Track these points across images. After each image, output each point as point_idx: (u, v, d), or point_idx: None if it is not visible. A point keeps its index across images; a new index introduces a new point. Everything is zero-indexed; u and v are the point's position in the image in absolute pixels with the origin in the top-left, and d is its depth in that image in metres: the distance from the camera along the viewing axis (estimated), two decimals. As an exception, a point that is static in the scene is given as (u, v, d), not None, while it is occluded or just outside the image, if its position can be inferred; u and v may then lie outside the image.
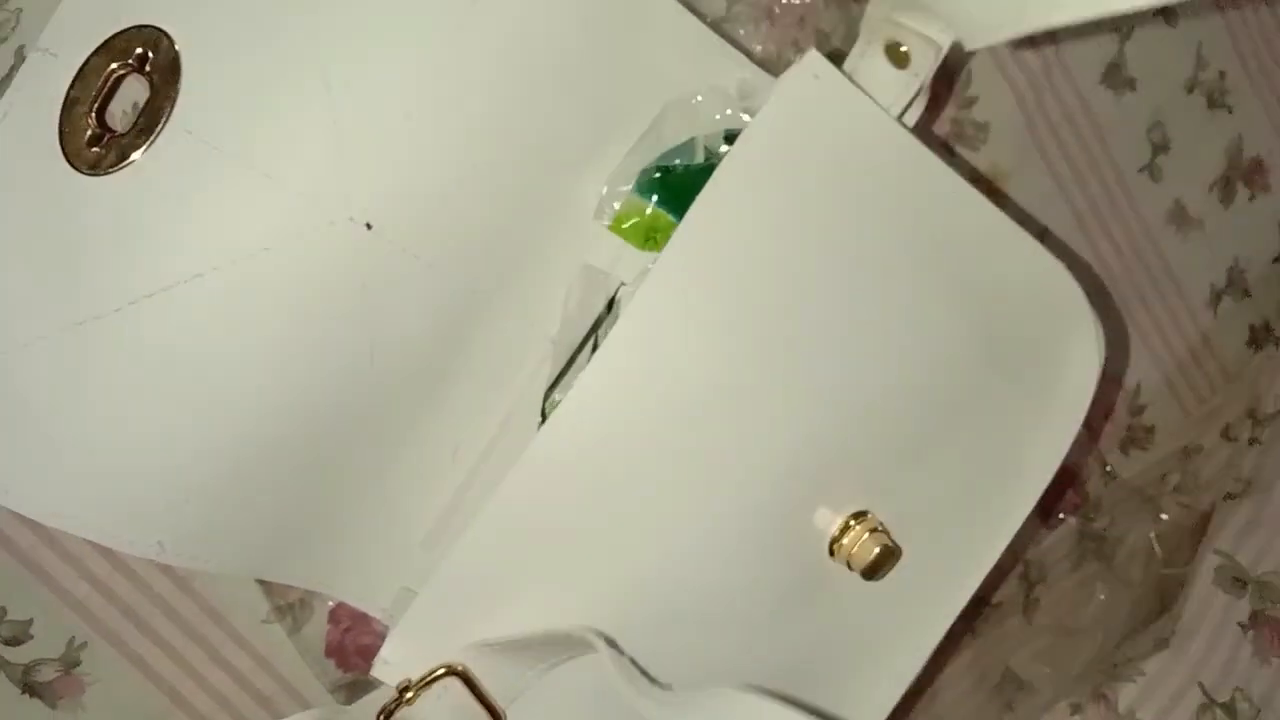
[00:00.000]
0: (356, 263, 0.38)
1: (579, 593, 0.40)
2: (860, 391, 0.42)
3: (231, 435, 0.38)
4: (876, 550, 0.42)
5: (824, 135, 0.39)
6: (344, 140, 0.36)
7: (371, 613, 0.46)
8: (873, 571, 0.42)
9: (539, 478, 0.39)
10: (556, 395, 0.42)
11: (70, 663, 0.45)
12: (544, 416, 0.43)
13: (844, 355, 0.41)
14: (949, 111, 0.55)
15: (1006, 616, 0.65)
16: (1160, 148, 0.63)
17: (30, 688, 0.44)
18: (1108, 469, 0.65)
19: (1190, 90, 0.63)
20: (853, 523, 0.42)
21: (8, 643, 0.44)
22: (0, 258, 0.38)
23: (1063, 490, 0.65)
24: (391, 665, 0.39)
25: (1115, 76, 0.60)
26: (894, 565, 0.42)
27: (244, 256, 0.36)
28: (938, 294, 0.42)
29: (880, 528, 0.42)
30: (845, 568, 0.42)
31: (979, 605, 0.65)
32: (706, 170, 0.39)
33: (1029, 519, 0.64)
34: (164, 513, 0.39)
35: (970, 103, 0.55)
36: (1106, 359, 0.65)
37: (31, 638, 0.44)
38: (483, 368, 0.43)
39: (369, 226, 0.37)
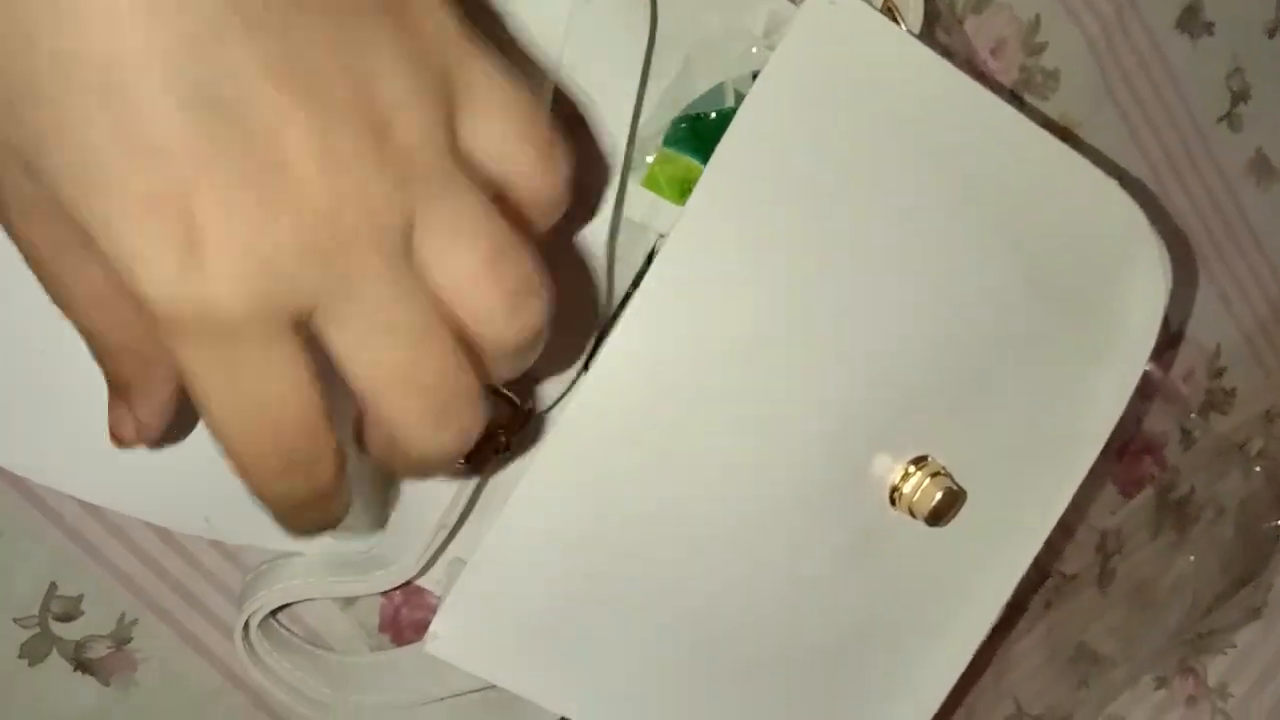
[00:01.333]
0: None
1: (632, 553, 0.39)
2: (910, 332, 0.40)
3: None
4: (940, 494, 0.40)
5: (847, 64, 0.38)
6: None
7: (425, 585, 0.45)
8: (937, 516, 0.40)
9: (582, 438, 0.37)
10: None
11: (121, 639, 0.44)
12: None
13: (890, 294, 0.39)
14: (1017, 58, 0.53)
15: (1081, 589, 0.63)
16: (1240, 96, 0.60)
17: (82, 664, 0.44)
18: (1188, 434, 0.63)
19: (1271, 35, 0.60)
20: (912, 469, 0.40)
21: (59, 619, 0.43)
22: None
23: (1141, 458, 0.63)
24: (443, 639, 0.38)
25: (1192, 20, 0.57)
26: (959, 509, 0.41)
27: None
28: (984, 223, 0.40)
29: (942, 471, 0.40)
30: (908, 516, 0.41)
31: (1052, 577, 0.62)
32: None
33: (1105, 488, 0.62)
34: (208, 486, 0.38)
35: (1039, 49, 0.53)
36: (1182, 320, 0.62)
37: (83, 614, 0.43)
38: None
39: None
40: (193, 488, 0.39)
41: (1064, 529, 0.60)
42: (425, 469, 0.24)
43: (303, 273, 0.20)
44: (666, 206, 0.41)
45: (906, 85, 0.39)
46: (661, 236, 0.41)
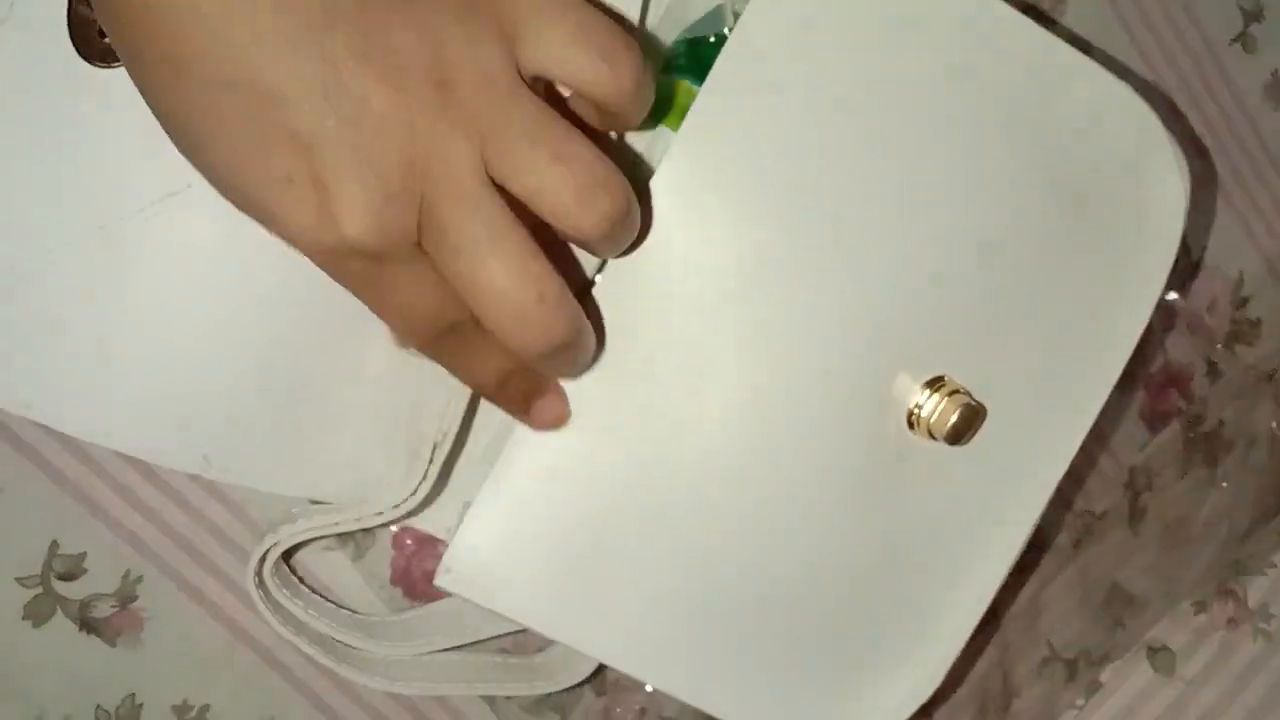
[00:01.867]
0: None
1: (643, 483, 0.38)
2: (921, 249, 0.39)
3: (260, 332, 0.36)
4: (959, 411, 0.39)
5: None
6: None
7: (437, 534, 0.44)
8: (957, 434, 0.39)
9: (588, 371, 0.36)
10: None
11: (126, 597, 0.43)
12: None
13: (900, 210, 0.38)
14: (1023, -22, 0.51)
15: (1111, 528, 0.61)
16: (1253, 15, 0.58)
17: (87, 624, 0.43)
18: (1213, 366, 0.61)
19: (1283, -50, 0.58)
20: (929, 390, 0.39)
21: (62, 578, 0.42)
22: (17, 164, 0.36)
23: (1167, 391, 0.61)
24: (455, 574, 0.37)
25: (1201, -63, 0.56)
26: (979, 426, 0.39)
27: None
28: (996, 133, 0.39)
29: (961, 390, 0.39)
30: (928, 438, 0.39)
31: (1081, 516, 0.61)
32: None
33: (1132, 424, 0.60)
34: (206, 424, 0.38)
35: (1045, -32, 0.52)
36: (1203, 249, 0.61)
37: (86, 572, 0.43)
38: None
39: None
40: (191, 426, 0.38)
41: (1091, 465, 0.59)
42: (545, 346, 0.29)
43: (404, 206, 0.27)
44: (667, 134, 0.40)
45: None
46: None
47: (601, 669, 0.46)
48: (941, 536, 0.43)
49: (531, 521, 0.37)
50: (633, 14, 0.38)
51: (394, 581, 0.46)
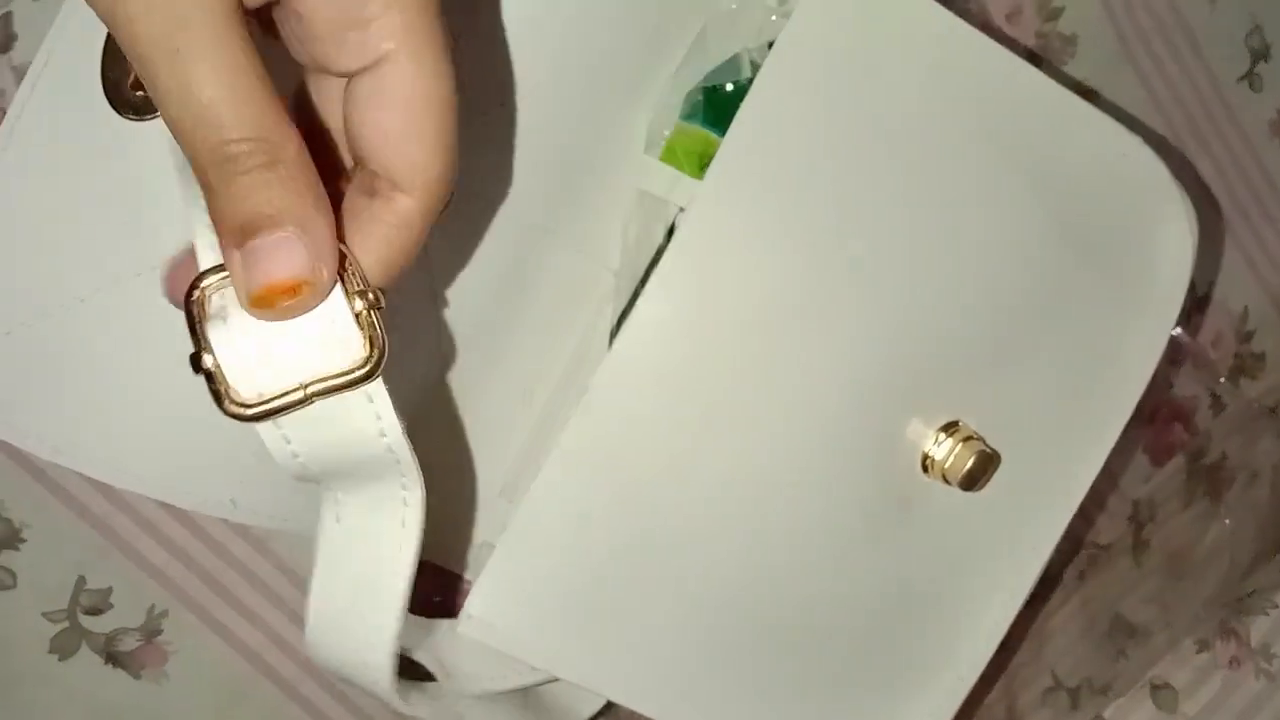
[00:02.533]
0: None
1: (664, 525, 0.38)
2: (935, 295, 0.40)
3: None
4: (973, 458, 0.39)
5: (864, 29, 0.37)
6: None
7: (457, 570, 0.45)
8: (972, 480, 0.40)
9: (609, 411, 0.37)
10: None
11: (151, 631, 0.44)
12: None
13: (915, 258, 0.39)
14: (1034, 24, 0.52)
15: (1115, 559, 0.62)
16: (1260, 54, 0.59)
17: (113, 658, 0.44)
18: (1217, 399, 0.62)
19: (1289, -9, 0.59)
20: (943, 435, 0.40)
21: (88, 612, 0.43)
22: (52, 211, 0.36)
23: (1171, 425, 0.62)
24: (477, 620, 0.38)
25: (1209, -20, 0.56)
26: (993, 473, 0.40)
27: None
28: (1008, 183, 0.40)
29: (975, 436, 0.40)
30: (941, 483, 0.40)
31: (1086, 548, 0.62)
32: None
33: (1136, 457, 0.61)
34: (233, 468, 0.38)
35: (1056, 14, 0.52)
36: (1209, 284, 0.62)
37: (112, 607, 0.43)
38: (547, 307, 0.42)
39: None
40: (217, 470, 0.38)
41: (1096, 499, 0.59)
42: None
43: None
44: (686, 180, 0.41)
45: (926, 47, 0.38)
46: (682, 209, 0.40)
47: (609, 707, 0.47)
48: (954, 576, 0.44)
49: (554, 566, 0.38)
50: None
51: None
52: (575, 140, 0.40)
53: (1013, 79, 0.40)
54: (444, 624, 0.42)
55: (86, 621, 0.43)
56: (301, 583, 0.46)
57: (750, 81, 0.38)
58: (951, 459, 0.40)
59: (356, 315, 0.25)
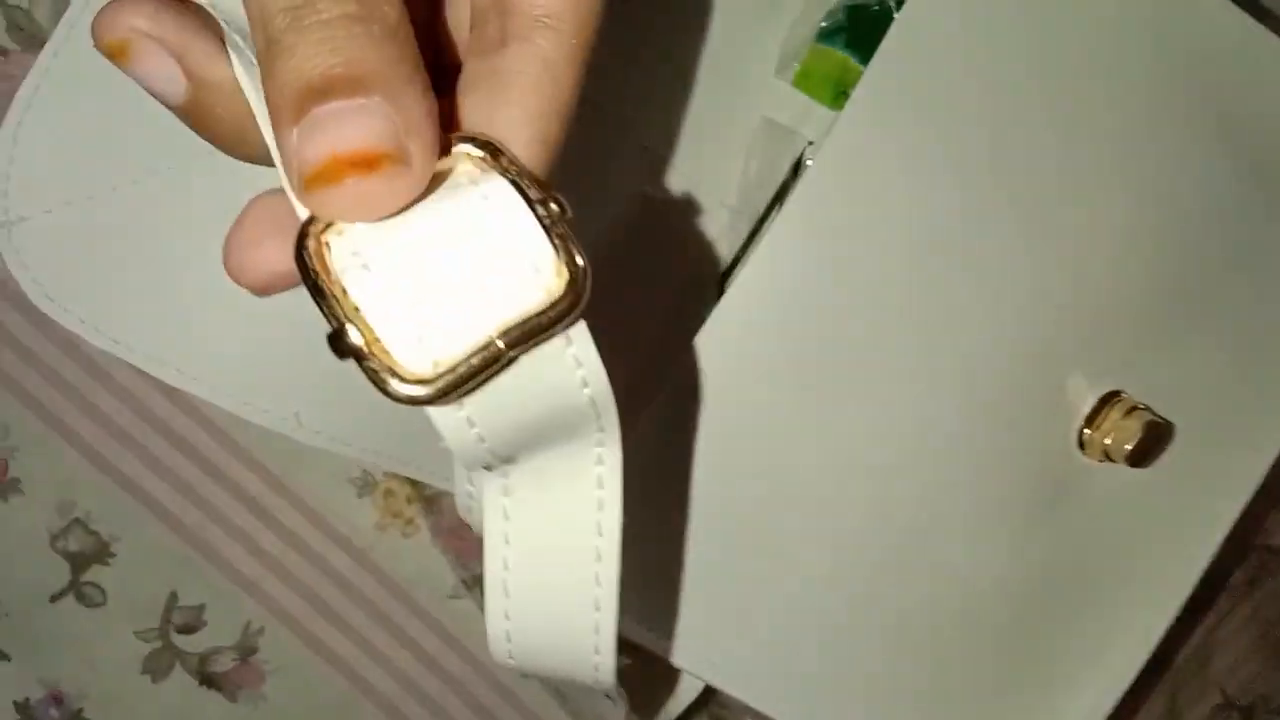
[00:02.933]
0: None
1: (786, 493, 0.34)
2: (1104, 245, 0.35)
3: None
4: (1141, 430, 0.35)
5: None
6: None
7: None
8: (1141, 456, 0.35)
9: (715, 366, 0.33)
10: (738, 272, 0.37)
11: (247, 650, 0.41)
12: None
13: (1081, 203, 0.35)
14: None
15: (1288, 563, 0.57)
16: None
17: (208, 679, 0.41)
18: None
19: None
20: (1104, 406, 0.36)
21: (181, 631, 0.41)
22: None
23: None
24: None
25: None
26: (1165, 446, 0.35)
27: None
28: (1192, 121, 0.35)
29: (1141, 406, 0.35)
30: (1099, 461, 0.36)
31: (1256, 552, 0.56)
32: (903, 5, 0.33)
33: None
34: (300, 382, 0.35)
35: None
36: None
37: (205, 624, 0.41)
38: (656, 242, 0.38)
39: None
40: (282, 380, 0.35)
41: (1267, 497, 0.54)
42: None
43: None
44: (819, 110, 0.37)
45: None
46: (811, 144, 0.37)
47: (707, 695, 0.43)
48: (1109, 566, 0.39)
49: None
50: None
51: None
52: (697, 55, 0.37)
53: (1201, 10, 0.35)
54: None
55: (180, 641, 0.41)
56: (404, 595, 0.43)
57: (900, 3, 0.34)
58: (1115, 432, 0.36)
59: (545, 228, 0.18)
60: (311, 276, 0.18)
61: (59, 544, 0.39)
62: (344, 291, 0.18)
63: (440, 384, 0.18)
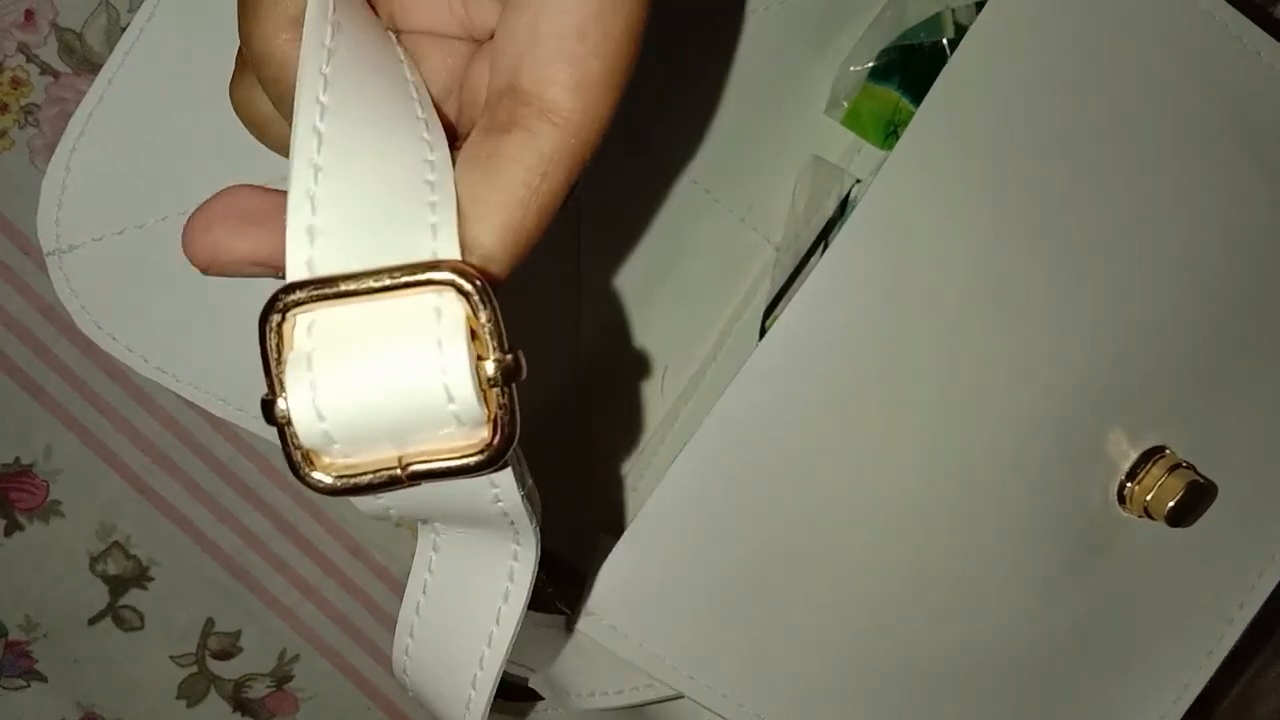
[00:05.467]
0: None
1: (811, 539, 0.34)
2: (1151, 297, 0.35)
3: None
4: (1184, 489, 0.34)
5: None
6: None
7: (567, 553, 0.41)
8: (1180, 515, 0.34)
9: (755, 404, 0.33)
10: (781, 310, 0.37)
11: (282, 678, 0.41)
12: (764, 335, 0.37)
13: (1129, 253, 0.34)
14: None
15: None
16: None
17: (242, 705, 0.41)
18: None
19: None
20: (1145, 462, 0.35)
21: (217, 656, 0.41)
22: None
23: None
24: (597, 617, 0.34)
25: None
26: (1207, 507, 0.35)
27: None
28: (1242, 172, 0.35)
29: (1185, 464, 0.35)
30: (1139, 517, 0.35)
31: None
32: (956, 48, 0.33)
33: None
34: None
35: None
36: None
37: (241, 650, 0.41)
38: (698, 277, 0.38)
39: None
40: None
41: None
42: None
43: None
44: (869, 148, 0.37)
45: (1150, 16, 0.34)
46: (859, 182, 0.36)
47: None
48: (1144, 624, 0.38)
49: (684, 566, 0.33)
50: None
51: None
52: (749, 89, 0.37)
53: (1248, 54, 0.35)
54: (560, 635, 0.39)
55: (215, 666, 0.41)
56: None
57: (954, 43, 0.34)
58: (1156, 489, 0.35)
59: (484, 382, 0.19)
60: (264, 340, 0.19)
61: (98, 567, 0.40)
62: (283, 372, 0.19)
63: (340, 484, 0.19)
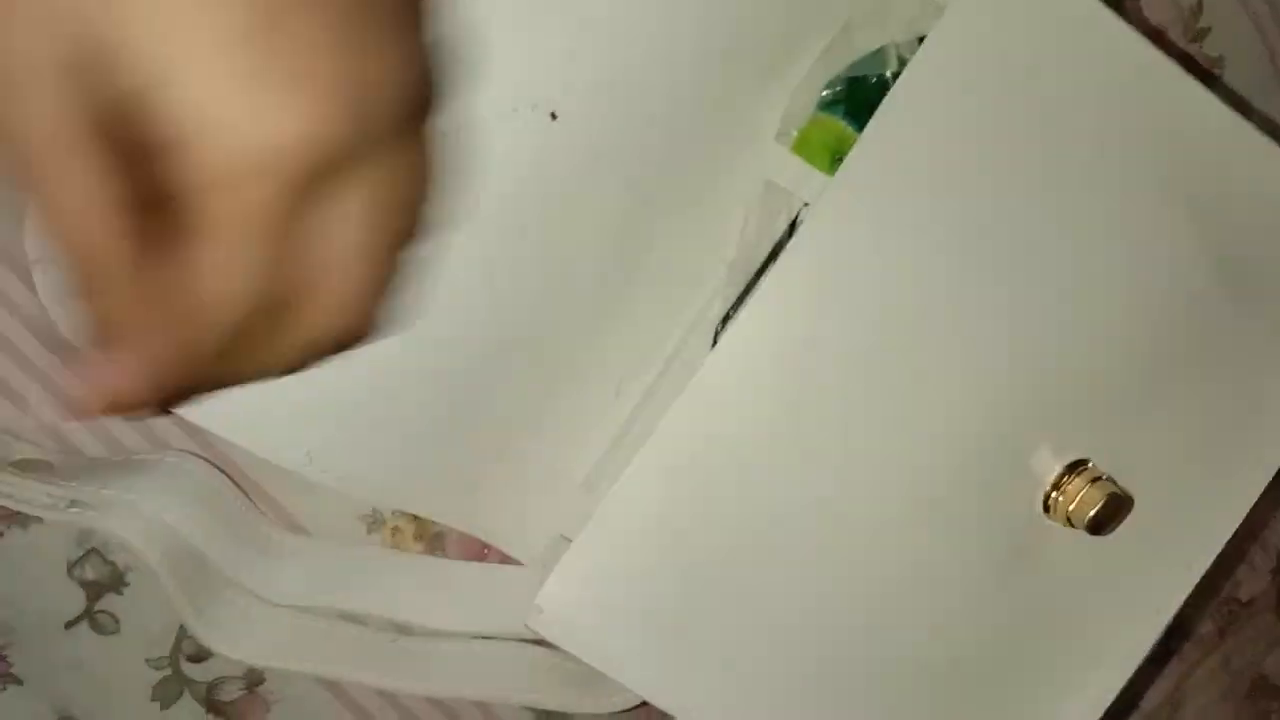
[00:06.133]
0: (538, 156, 0.34)
1: (755, 546, 0.36)
2: (1078, 322, 0.37)
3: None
4: (1103, 500, 0.36)
5: (1024, 30, 0.35)
6: (534, 20, 0.33)
7: (520, 559, 0.42)
8: (1099, 525, 0.37)
9: (706, 411, 0.35)
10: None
11: (254, 681, 0.42)
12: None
13: (1058, 280, 0.37)
14: (1179, 44, 0.49)
15: (1258, 615, 0.58)
16: None
17: (214, 707, 0.42)
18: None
19: None
20: (1069, 474, 0.37)
21: (191, 659, 0.42)
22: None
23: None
24: (546, 615, 0.35)
25: (1364, -2, 0.53)
26: (1125, 517, 0.37)
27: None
28: (1164, 207, 0.37)
29: (1105, 477, 0.37)
30: (1062, 526, 0.37)
31: (1225, 603, 0.58)
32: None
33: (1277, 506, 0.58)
34: (314, 422, 0.36)
35: (1202, 34, 0.49)
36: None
37: (213, 654, 0.41)
38: (654, 293, 0.39)
39: (554, 116, 0.34)
40: (297, 420, 0.36)
41: (1237, 550, 0.56)
42: None
43: None
44: (817, 175, 0.38)
45: (1089, 56, 0.36)
46: (806, 205, 0.38)
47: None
48: (1065, 629, 0.40)
49: (630, 573, 0.35)
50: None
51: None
52: (705, 115, 0.38)
53: (1180, 97, 0.37)
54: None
55: (189, 669, 0.42)
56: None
57: (896, 76, 0.36)
58: (1079, 498, 0.37)
59: None
60: None
61: (75, 572, 0.40)
62: None
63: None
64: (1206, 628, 0.58)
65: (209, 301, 0.24)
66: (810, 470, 0.36)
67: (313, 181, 0.23)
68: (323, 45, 0.22)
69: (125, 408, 0.24)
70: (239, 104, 0.21)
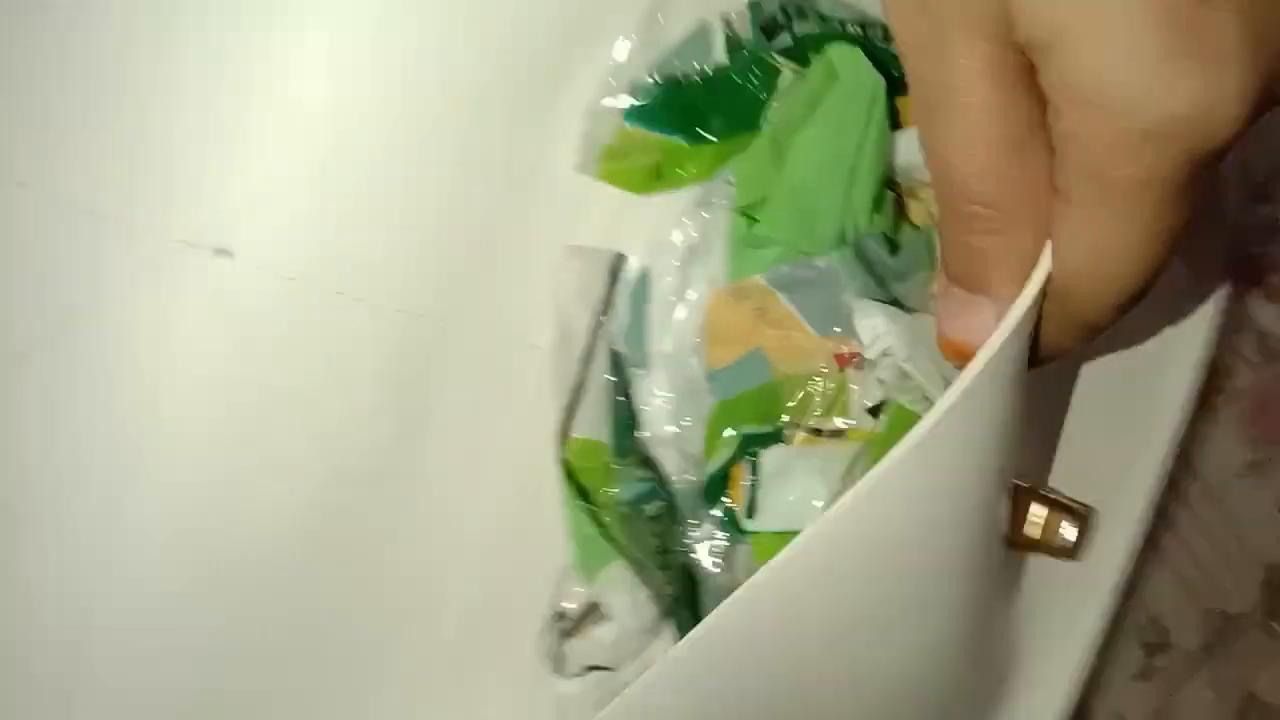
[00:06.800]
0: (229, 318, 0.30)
1: None
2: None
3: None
4: None
5: None
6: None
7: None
8: None
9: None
10: (578, 435, 0.32)
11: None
12: (565, 468, 0.32)
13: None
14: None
15: (1247, 630, 0.57)
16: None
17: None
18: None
19: None
20: None
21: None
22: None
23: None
24: None
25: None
26: None
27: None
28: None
29: None
30: None
31: (1214, 617, 0.57)
32: (733, 74, 0.30)
33: (1270, 514, 0.56)
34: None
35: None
36: None
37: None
38: (462, 401, 0.33)
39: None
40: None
41: (1224, 562, 0.55)
42: None
43: None
44: (631, 207, 0.32)
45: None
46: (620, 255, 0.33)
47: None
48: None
49: None
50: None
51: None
52: (468, 168, 0.31)
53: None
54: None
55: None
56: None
57: (727, 69, 0.31)
58: None
59: None
60: None
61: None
62: None
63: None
64: (1192, 643, 0.56)
65: (1086, 269, 0.25)
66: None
67: (1213, 160, 0.23)
68: (1249, 19, 0.22)
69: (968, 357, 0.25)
70: (1152, 72, 0.22)
